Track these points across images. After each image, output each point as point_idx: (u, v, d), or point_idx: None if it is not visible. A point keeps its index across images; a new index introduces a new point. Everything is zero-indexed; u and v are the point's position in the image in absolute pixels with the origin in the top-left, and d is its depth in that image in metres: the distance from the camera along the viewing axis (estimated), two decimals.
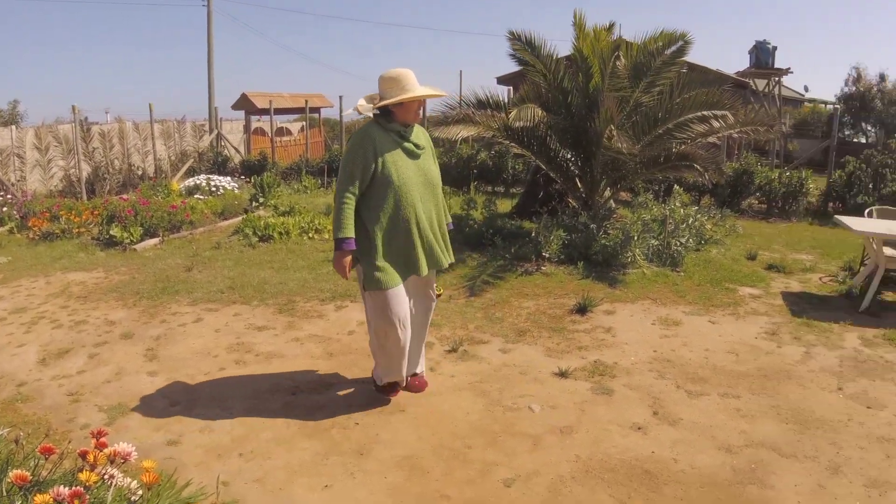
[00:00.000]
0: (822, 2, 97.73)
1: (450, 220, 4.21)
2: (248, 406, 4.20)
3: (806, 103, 35.46)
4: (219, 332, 5.53)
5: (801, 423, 4.33)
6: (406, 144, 3.62)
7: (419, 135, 3.74)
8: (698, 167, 8.15)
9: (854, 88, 34.05)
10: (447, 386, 4.58)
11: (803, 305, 6.91)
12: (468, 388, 4.56)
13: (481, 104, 8.65)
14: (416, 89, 3.52)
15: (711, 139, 8.90)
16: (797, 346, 5.75)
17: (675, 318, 6.24)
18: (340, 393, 4.45)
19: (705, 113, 8.17)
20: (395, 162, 3.54)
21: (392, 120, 3.58)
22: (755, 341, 5.84)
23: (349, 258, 3.60)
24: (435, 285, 4.17)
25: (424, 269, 3.78)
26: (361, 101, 3.65)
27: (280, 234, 8.77)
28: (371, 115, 3.67)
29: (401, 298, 3.70)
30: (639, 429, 4.14)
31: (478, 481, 3.49)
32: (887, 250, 7.27)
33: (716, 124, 8.28)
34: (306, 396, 4.37)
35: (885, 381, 5.04)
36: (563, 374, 4.81)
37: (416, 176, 3.63)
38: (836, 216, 7.74)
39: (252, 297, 6.43)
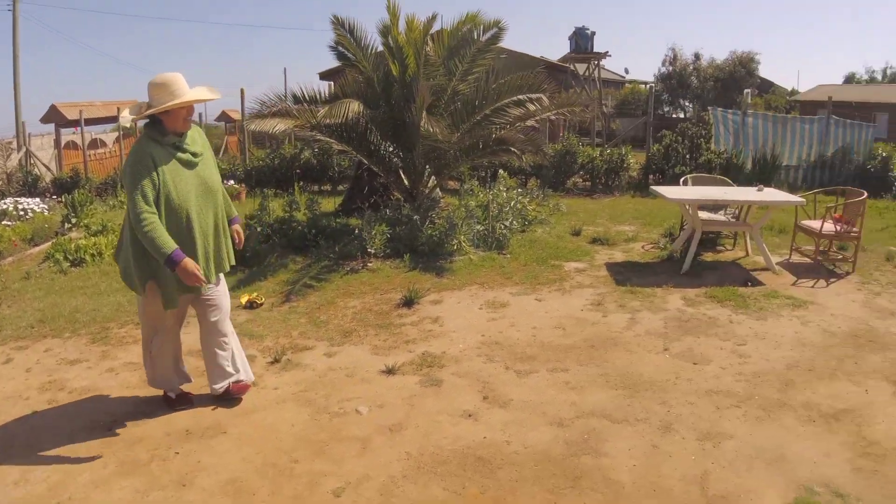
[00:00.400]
0: None
1: (234, 214, 4.98)
2: (64, 449, 4.55)
3: (627, 84, 43.68)
4: (30, 372, 5.91)
5: (630, 388, 5.27)
6: (182, 156, 4.29)
7: (195, 140, 4.42)
8: (515, 151, 9.99)
9: (671, 68, 42.63)
10: (270, 399, 5.19)
11: (627, 274, 8.35)
12: (292, 398, 5.21)
13: (298, 100, 10.09)
14: (185, 94, 4.17)
15: (530, 122, 10.86)
16: (622, 314, 6.93)
17: (503, 301, 7.39)
18: (159, 422, 4.88)
19: (520, 97, 10.06)
20: (174, 178, 4.21)
21: (165, 131, 4.23)
22: (581, 314, 6.98)
23: (190, 262, 4.20)
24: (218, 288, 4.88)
25: (212, 277, 4.61)
26: (125, 112, 4.32)
27: (92, 255, 9.71)
28: (141, 124, 4.36)
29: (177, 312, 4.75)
30: (469, 416, 4.83)
31: (306, 495, 3.96)
32: (702, 214, 9.04)
33: (531, 107, 10.19)
34: (124, 430, 4.79)
35: (709, 336, 6.35)
36: (390, 371, 5.55)
37: (197, 187, 4.35)
38: (652, 187, 9.65)
39: (64, 329, 6.95)
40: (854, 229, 8.59)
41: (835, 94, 20.93)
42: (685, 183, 10.05)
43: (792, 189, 15.37)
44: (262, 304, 7.33)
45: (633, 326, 6.61)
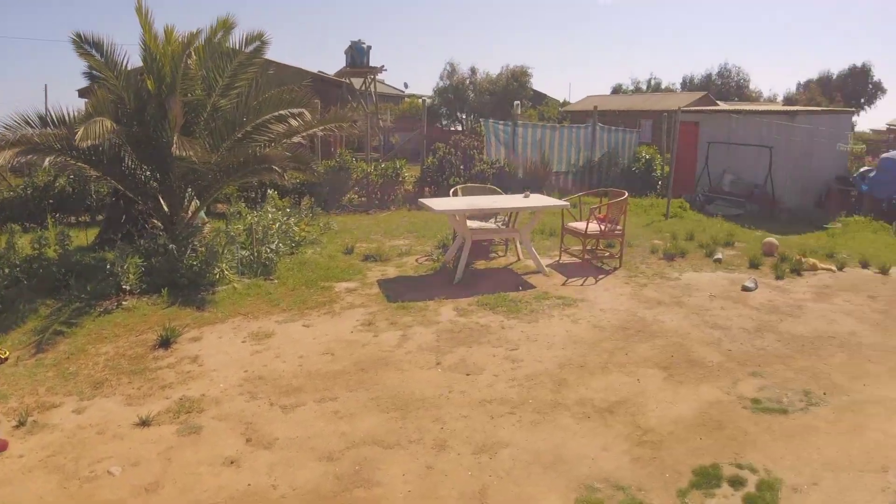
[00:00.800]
0: (417, 3, 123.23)
1: None
2: None
3: (406, 98, 45.14)
4: None
5: (402, 409, 5.11)
6: None
7: None
8: (278, 169, 9.69)
9: (449, 82, 44.91)
10: (16, 469, 4.68)
11: (400, 289, 8.25)
12: (39, 466, 4.74)
13: (44, 122, 9.06)
14: None
15: (297, 139, 10.66)
16: (394, 332, 6.79)
17: (268, 330, 7.02)
18: None
19: (282, 112, 9.85)
20: None
21: None
22: (351, 336, 6.74)
23: None
24: None
25: None
26: None
27: None
28: None
29: None
30: (232, 463, 4.46)
31: None
32: (473, 223, 9.21)
33: (294, 123, 10.02)
34: None
35: (482, 344, 6.41)
36: (145, 423, 5.06)
37: None
38: (421, 199, 9.69)
39: None
40: (618, 227, 9.18)
41: (602, 104, 22.74)
42: (455, 194, 10.27)
43: (563, 194, 16.36)
44: (6, 359, 6.46)
45: (404, 343, 6.49)
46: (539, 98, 46.65)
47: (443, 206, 9.01)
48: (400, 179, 16.36)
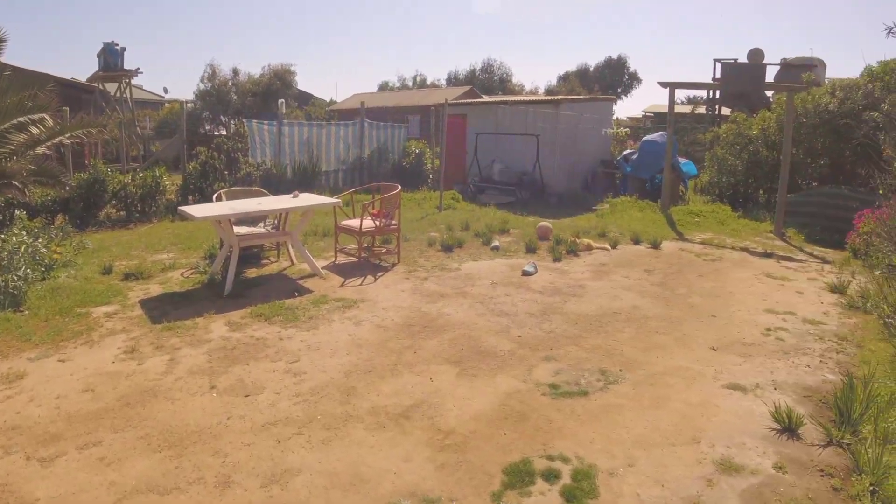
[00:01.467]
0: (173, 4, 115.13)
1: None
2: None
3: (167, 104, 42.63)
4: None
5: (176, 445, 4.56)
6: None
7: None
8: (17, 184, 8.81)
9: (210, 85, 42.96)
10: None
11: (165, 308, 7.55)
12: None
13: None
14: None
15: (41, 149, 9.68)
16: (160, 356, 6.14)
17: (19, 370, 6.05)
18: None
19: (22, 120, 8.99)
20: None
21: None
22: (113, 367, 5.99)
23: None
24: None
25: None
26: None
27: None
28: None
29: None
30: None
31: None
32: (240, 229, 8.69)
33: (35, 131, 9.15)
34: None
35: (259, 360, 5.97)
36: None
37: None
38: (180, 208, 8.95)
39: None
40: (393, 222, 9.09)
41: (370, 101, 22.73)
42: (219, 199, 9.64)
43: (334, 192, 16.11)
44: None
45: (173, 369, 5.88)
46: (305, 98, 46.16)
47: (204, 212, 8.35)
48: (161, 189, 15.30)
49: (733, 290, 8.69)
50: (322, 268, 8.85)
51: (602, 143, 20.21)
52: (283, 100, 19.76)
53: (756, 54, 20.93)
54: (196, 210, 8.47)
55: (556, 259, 9.84)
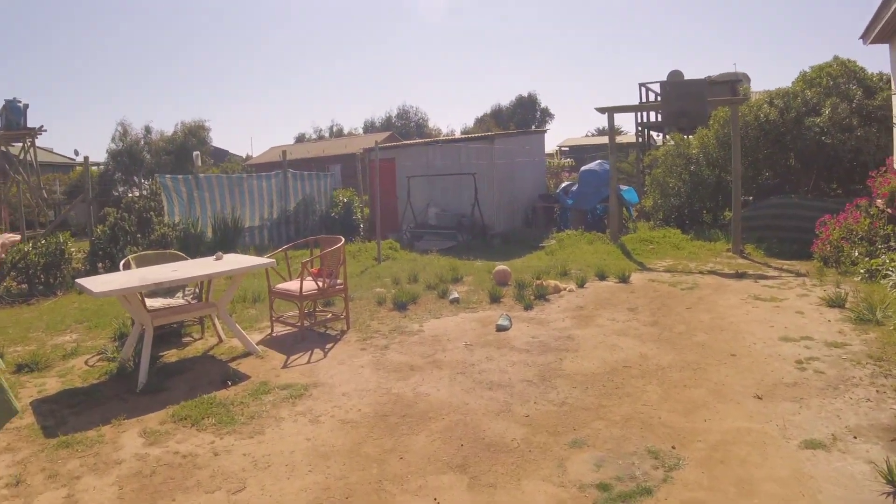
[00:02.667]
0: (83, 62, 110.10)
1: None
2: None
3: (78, 167, 39.98)
4: None
5: None
6: None
7: None
8: None
9: (122, 144, 40.63)
10: None
11: (63, 414, 5.61)
12: None
13: None
14: None
15: None
16: (53, 491, 4.22)
17: None
18: None
19: None
20: None
21: None
22: None
23: None
24: None
25: None
26: None
27: None
28: None
29: None
30: None
31: None
32: (154, 302, 6.92)
33: None
34: None
35: (188, 490, 4.10)
36: None
37: None
38: (77, 281, 6.91)
39: None
40: (338, 282, 7.43)
41: (289, 153, 21.12)
42: (126, 266, 7.64)
43: (260, 251, 14.32)
44: None
45: None
46: (221, 155, 44.22)
47: (106, 285, 6.34)
48: (66, 257, 13.11)
49: (733, 320, 7.47)
50: (258, 343, 7.07)
51: (538, 178, 19.08)
52: (199, 152, 17.86)
53: (676, 76, 20.24)
54: (96, 283, 6.47)
55: (527, 307, 8.36)
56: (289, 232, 16.35)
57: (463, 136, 18.74)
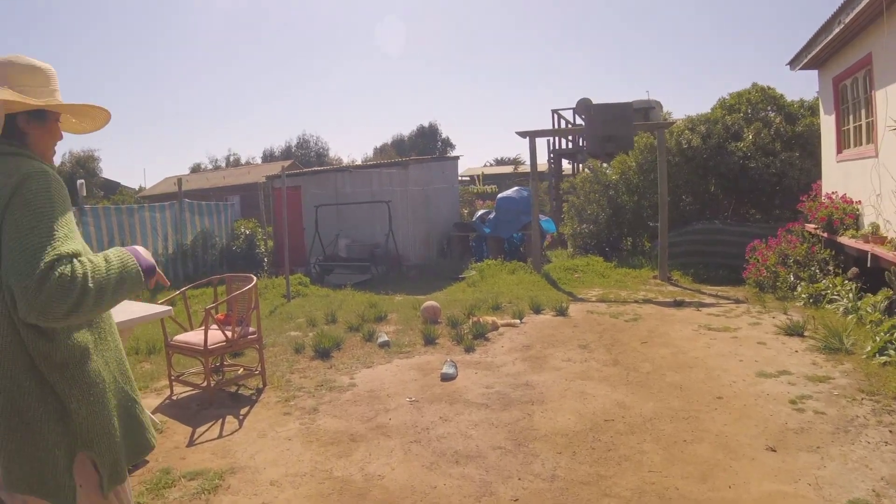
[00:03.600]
0: None
1: None
2: None
3: None
4: None
5: None
6: None
7: None
8: None
9: None
10: None
11: None
12: None
13: None
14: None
15: None
16: None
17: None
18: None
19: None
20: None
21: (28, 151, 2.28)
22: None
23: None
24: None
25: None
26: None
27: None
28: None
29: None
30: None
31: None
32: None
33: None
34: None
35: None
36: None
37: None
38: None
39: None
40: (251, 329, 6.06)
41: (185, 183, 19.27)
42: None
43: (154, 291, 12.61)
44: None
45: None
46: (112, 187, 41.23)
47: None
48: None
49: (697, 355, 6.67)
50: (155, 410, 5.60)
51: (453, 206, 18.10)
52: (83, 181, 15.85)
53: (585, 102, 19.84)
54: None
55: (469, 348, 7.20)
56: (186, 268, 14.66)
57: (375, 163, 17.33)
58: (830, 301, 8.50)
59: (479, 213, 17.22)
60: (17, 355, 2.03)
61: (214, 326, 5.84)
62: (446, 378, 6.10)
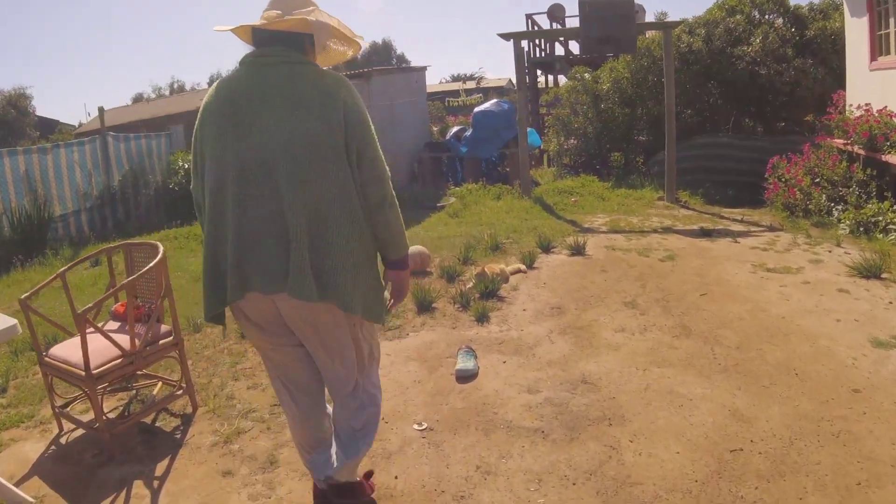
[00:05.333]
0: None
1: None
2: None
3: None
4: None
5: None
6: None
7: None
8: None
9: None
10: None
11: None
12: None
13: None
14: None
15: None
16: None
17: None
18: None
19: None
20: None
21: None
22: None
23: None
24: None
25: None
26: (325, 16, 2.42)
27: None
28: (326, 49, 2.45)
29: None
30: None
31: None
32: None
33: None
34: None
35: None
36: None
37: None
38: None
39: None
40: (165, 329, 3.81)
41: (123, 116, 16.64)
42: None
43: (78, 245, 10.26)
44: None
45: None
46: (49, 126, 37.43)
47: None
48: None
49: (782, 314, 4.88)
50: (32, 469, 3.45)
51: (422, 123, 15.70)
52: None
53: (557, 6, 17.44)
54: None
55: (481, 317, 5.09)
56: (116, 214, 12.15)
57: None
58: (885, 230, 6.89)
59: (453, 130, 14.84)
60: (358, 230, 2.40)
61: (115, 324, 3.68)
62: (464, 376, 4.06)
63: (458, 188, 12.08)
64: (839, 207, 7.89)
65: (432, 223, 10.00)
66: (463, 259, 6.77)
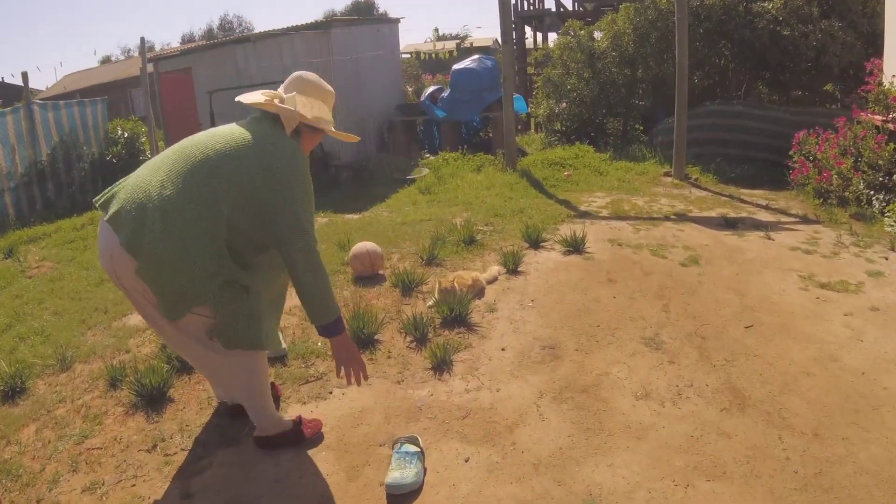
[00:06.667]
0: None
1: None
2: None
3: None
4: None
5: None
6: None
7: None
8: None
9: None
10: None
11: None
12: None
13: None
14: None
15: None
16: None
17: None
18: None
19: None
20: None
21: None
22: None
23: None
24: None
25: None
26: (316, 107, 2.83)
27: None
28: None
29: None
30: None
31: None
32: None
33: None
34: None
35: None
36: None
37: None
38: None
39: None
40: None
41: (86, 80, 14.76)
42: None
43: (2, 230, 8.62)
44: None
45: None
46: (13, 92, 34.79)
47: None
48: None
49: (860, 366, 3.44)
50: None
51: (394, 83, 13.92)
52: None
53: None
54: None
55: (441, 364, 3.52)
56: (46, 193, 10.32)
57: (284, 29, 12.22)
58: None
59: (429, 90, 13.07)
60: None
61: None
62: (398, 493, 2.51)
63: (433, 157, 10.44)
64: (880, 197, 6.56)
65: (398, 201, 8.41)
66: (427, 259, 5.20)
